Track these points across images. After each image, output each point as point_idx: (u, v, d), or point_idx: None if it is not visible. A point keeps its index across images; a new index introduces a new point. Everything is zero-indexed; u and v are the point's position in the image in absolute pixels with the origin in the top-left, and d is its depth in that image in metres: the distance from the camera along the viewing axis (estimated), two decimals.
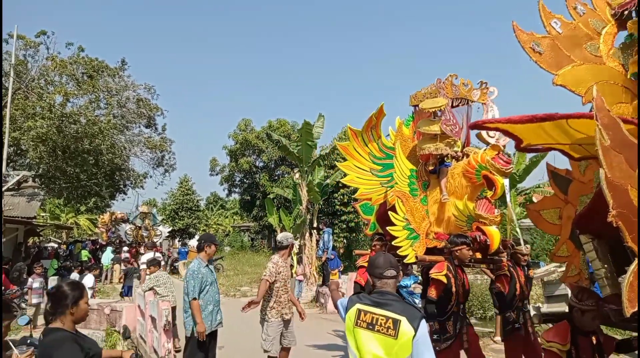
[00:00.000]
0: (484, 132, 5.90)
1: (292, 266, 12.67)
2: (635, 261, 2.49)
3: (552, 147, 3.15)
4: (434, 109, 5.82)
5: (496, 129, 3.02)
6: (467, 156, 6.00)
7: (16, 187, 18.64)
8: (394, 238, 5.94)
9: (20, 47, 21.32)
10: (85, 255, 23.27)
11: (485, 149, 5.73)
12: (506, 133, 3.08)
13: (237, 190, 30.31)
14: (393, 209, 6.00)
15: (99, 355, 3.13)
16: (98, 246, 27.55)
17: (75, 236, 41.81)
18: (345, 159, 6.45)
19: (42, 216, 35.44)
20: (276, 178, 27.59)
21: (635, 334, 3.59)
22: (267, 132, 23.85)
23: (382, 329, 2.66)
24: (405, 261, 5.94)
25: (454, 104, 6.08)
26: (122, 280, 16.36)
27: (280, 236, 6.41)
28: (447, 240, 5.65)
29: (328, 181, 21.36)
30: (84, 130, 20.64)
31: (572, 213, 4.00)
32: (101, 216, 30.12)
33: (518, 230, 6.06)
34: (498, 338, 8.63)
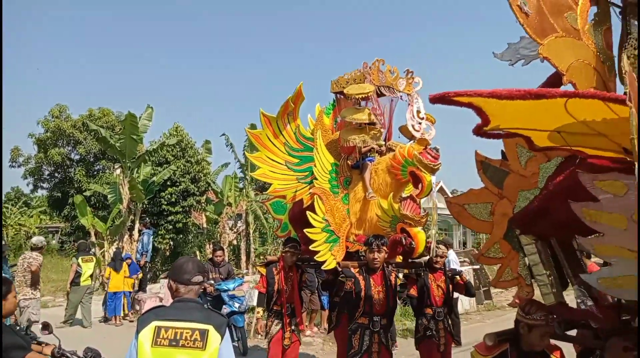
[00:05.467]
0: (409, 125, 5.09)
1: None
2: None
3: (517, 132, 2.37)
4: (361, 96, 4.79)
5: (468, 105, 2.07)
6: (392, 150, 5.13)
7: None
8: (311, 241, 4.76)
9: None
10: None
11: (411, 143, 4.91)
12: (476, 110, 2.17)
13: (45, 185, 25.12)
14: (311, 208, 4.81)
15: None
16: None
17: None
18: (256, 149, 5.02)
19: None
20: (95, 173, 23.56)
21: None
22: (85, 121, 20.17)
23: (189, 343, 2.36)
24: (323, 267, 4.82)
25: (378, 94, 5.12)
26: None
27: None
28: (364, 243, 4.73)
29: (155, 178, 18.91)
30: None
31: (509, 209, 3.33)
32: None
33: (433, 231, 5.37)
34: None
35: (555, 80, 2.96)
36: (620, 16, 3.07)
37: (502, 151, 3.41)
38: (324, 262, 4.73)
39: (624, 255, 2.22)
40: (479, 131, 2.24)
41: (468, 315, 11.54)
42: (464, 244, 26.08)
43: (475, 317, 11.59)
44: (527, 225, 3.01)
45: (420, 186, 4.79)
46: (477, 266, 14.47)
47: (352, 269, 4.60)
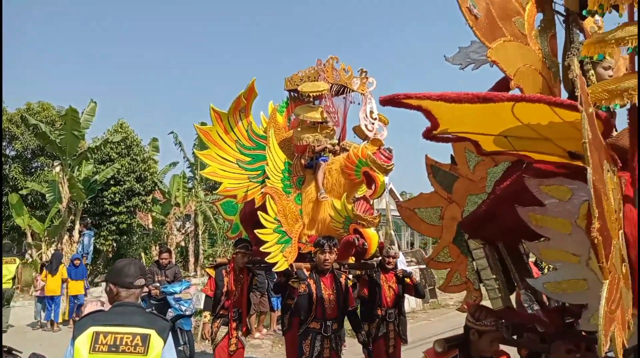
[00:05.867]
0: (362, 125, 5.04)
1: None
2: (605, 286, 1.78)
3: (465, 136, 2.39)
4: (315, 94, 4.69)
5: (417, 108, 2.02)
6: (345, 150, 5.06)
7: None
8: (262, 242, 4.60)
9: None
10: None
11: (365, 144, 4.86)
12: (426, 114, 2.12)
13: None
14: (263, 208, 4.65)
15: None
16: None
17: None
18: (206, 147, 4.79)
19: None
20: (32, 170, 22.10)
21: None
22: (24, 115, 18.94)
23: (129, 348, 2.28)
24: (275, 269, 4.67)
25: (332, 92, 5.03)
26: None
27: None
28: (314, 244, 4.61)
29: (97, 177, 18.01)
30: None
31: (457, 213, 3.36)
32: None
33: (392, 231, 5.34)
34: None
35: (503, 85, 2.94)
36: (564, 25, 3.12)
37: (451, 155, 3.42)
38: (275, 264, 4.59)
39: (568, 260, 2.22)
40: (428, 135, 2.21)
41: (414, 313, 11.72)
42: (412, 244, 26.62)
43: (421, 315, 11.79)
44: (475, 229, 2.99)
45: (373, 186, 4.75)
46: (423, 266, 14.78)
47: (305, 271, 4.47)
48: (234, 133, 4.82)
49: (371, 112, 5.08)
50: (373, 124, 5.08)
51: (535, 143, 2.18)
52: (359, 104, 5.13)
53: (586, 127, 1.68)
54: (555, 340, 2.61)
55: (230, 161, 4.84)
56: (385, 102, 1.97)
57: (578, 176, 2.14)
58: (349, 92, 5.08)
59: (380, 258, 5.25)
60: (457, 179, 3.38)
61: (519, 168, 2.71)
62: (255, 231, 4.60)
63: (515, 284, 3.02)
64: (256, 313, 8.69)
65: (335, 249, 4.46)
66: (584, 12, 2.73)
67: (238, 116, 4.78)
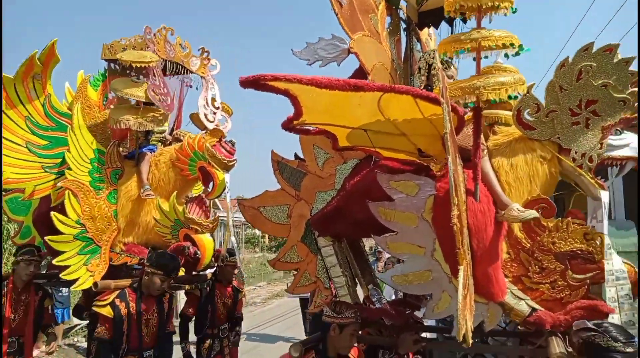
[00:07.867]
0: (202, 114, 4.25)
1: None
2: (462, 272, 1.75)
3: (325, 128, 2.26)
4: (139, 65, 3.74)
5: (284, 93, 1.82)
6: (179, 140, 4.18)
7: None
8: (58, 252, 3.49)
9: None
10: None
11: (203, 134, 4.04)
12: (292, 100, 1.93)
13: None
14: (60, 209, 3.55)
15: None
16: None
17: None
18: None
19: None
20: None
21: None
22: None
23: None
24: (74, 287, 3.55)
25: (164, 72, 4.11)
26: None
27: None
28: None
29: None
30: None
31: (306, 211, 3.19)
32: None
33: (233, 239, 4.54)
34: None
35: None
36: (405, 32, 3.29)
37: (295, 153, 3.33)
38: (75, 281, 3.47)
39: (414, 252, 2.32)
40: (288, 125, 2.10)
41: None
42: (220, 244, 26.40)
43: None
44: (325, 226, 2.96)
45: (211, 184, 4.03)
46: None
47: (116, 301, 3.36)
48: (24, 107, 3.65)
49: (213, 99, 4.32)
50: (215, 113, 4.32)
51: (392, 139, 2.19)
52: (197, 89, 4.30)
53: (448, 118, 1.71)
54: (401, 332, 2.65)
55: (16, 143, 3.64)
56: (247, 84, 1.73)
57: (422, 172, 2.33)
58: (187, 73, 4.21)
59: (215, 268, 4.43)
60: (305, 176, 3.23)
61: (368, 164, 2.78)
62: (46, 238, 3.48)
63: (356, 279, 3.04)
64: None
65: None
66: (445, 16, 2.82)
67: (31, 84, 3.62)
